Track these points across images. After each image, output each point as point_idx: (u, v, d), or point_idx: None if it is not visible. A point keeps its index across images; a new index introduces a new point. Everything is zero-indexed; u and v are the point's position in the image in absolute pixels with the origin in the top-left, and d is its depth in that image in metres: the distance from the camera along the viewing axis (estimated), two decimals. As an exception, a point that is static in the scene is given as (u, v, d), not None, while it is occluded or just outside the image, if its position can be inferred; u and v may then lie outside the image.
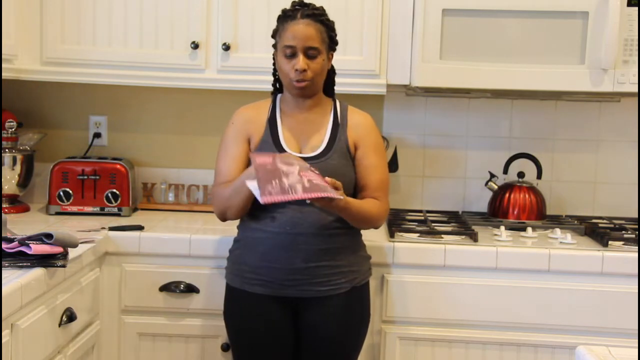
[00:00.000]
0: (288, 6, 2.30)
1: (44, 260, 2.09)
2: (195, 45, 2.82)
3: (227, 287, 2.38)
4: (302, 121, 2.34)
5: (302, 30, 2.22)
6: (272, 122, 2.34)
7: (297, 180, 2.00)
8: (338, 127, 2.33)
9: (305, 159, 2.25)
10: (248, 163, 2.32)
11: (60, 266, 2.12)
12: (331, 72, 2.39)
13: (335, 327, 2.29)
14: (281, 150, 2.28)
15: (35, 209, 3.05)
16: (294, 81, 2.27)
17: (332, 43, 2.30)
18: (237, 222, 2.37)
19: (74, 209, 2.94)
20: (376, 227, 2.33)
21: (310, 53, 2.23)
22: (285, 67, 2.27)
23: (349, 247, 2.33)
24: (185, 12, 2.83)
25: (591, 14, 2.70)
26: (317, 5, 2.30)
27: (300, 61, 2.22)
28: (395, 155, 3.11)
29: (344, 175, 2.27)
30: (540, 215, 3.02)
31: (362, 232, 2.40)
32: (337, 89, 2.43)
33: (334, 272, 2.27)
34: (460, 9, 2.74)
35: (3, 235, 2.19)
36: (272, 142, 2.30)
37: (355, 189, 2.32)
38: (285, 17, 2.27)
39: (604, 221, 3.06)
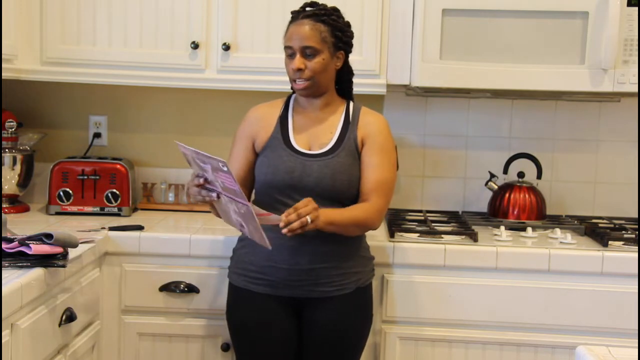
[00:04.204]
0: (291, 6, 2.31)
1: (44, 260, 2.09)
2: (195, 45, 2.82)
3: (231, 286, 2.38)
4: (313, 119, 2.34)
5: (299, 30, 2.24)
6: (283, 119, 2.35)
7: (212, 177, 2.04)
8: (348, 125, 2.33)
9: (313, 156, 2.27)
10: (252, 164, 2.34)
11: (60, 266, 2.12)
12: (345, 73, 2.38)
13: (339, 328, 2.30)
14: (290, 146, 2.28)
15: (35, 209, 3.05)
16: (293, 81, 2.29)
17: (339, 42, 2.28)
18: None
19: (74, 209, 2.94)
20: (372, 229, 2.31)
21: (307, 52, 2.24)
22: (287, 68, 2.29)
23: (353, 248, 2.33)
24: (185, 12, 2.83)
25: (591, 14, 2.70)
26: (329, 5, 2.30)
27: (296, 61, 2.24)
28: (395, 155, 3.11)
29: (349, 173, 2.27)
30: (540, 215, 3.02)
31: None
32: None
33: (339, 273, 2.28)
34: (460, 9, 2.74)
35: (3, 235, 2.19)
36: (281, 138, 2.31)
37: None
38: (291, 18, 2.30)
39: (604, 221, 3.06)
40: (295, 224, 2.02)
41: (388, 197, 2.31)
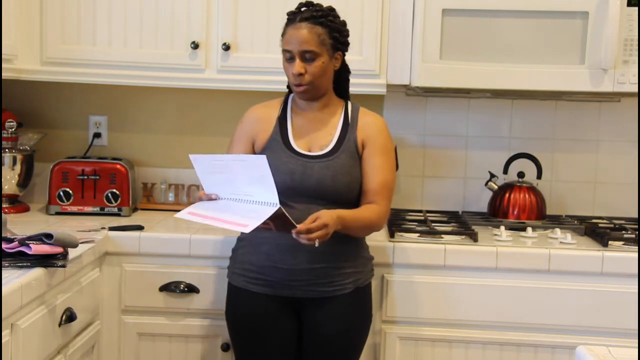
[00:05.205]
0: (291, 6, 2.29)
1: (44, 260, 2.09)
2: (195, 45, 2.82)
3: (230, 286, 2.38)
4: (312, 120, 2.34)
5: (298, 34, 2.22)
6: (282, 120, 2.35)
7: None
8: (348, 126, 2.33)
9: (313, 157, 2.27)
10: None
11: (60, 266, 2.12)
12: (343, 72, 2.38)
13: (338, 327, 2.30)
14: (290, 148, 2.28)
15: (35, 209, 3.05)
16: (294, 85, 2.28)
17: (337, 43, 2.27)
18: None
19: (74, 209, 2.94)
20: (376, 231, 2.33)
21: (307, 56, 2.23)
22: (287, 71, 2.29)
23: (353, 249, 2.33)
24: (185, 12, 2.83)
25: (591, 14, 2.70)
26: (325, 5, 2.28)
27: (296, 65, 2.23)
28: (395, 155, 3.10)
29: (350, 174, 2.27)
30: (540, 215, 3.02)
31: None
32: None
33: (338, 273, 2.28)
34: (460, 9, 2.74)
35: (3, 235, 2.19)
36: (281, 140, 2.31)
37: (360, 189, 2.32)
38: (288, 20, 2.28)
39: (604, 221, 3.06)
40: (304, 241, 2.06)
41: (391, 199, 2.34)
